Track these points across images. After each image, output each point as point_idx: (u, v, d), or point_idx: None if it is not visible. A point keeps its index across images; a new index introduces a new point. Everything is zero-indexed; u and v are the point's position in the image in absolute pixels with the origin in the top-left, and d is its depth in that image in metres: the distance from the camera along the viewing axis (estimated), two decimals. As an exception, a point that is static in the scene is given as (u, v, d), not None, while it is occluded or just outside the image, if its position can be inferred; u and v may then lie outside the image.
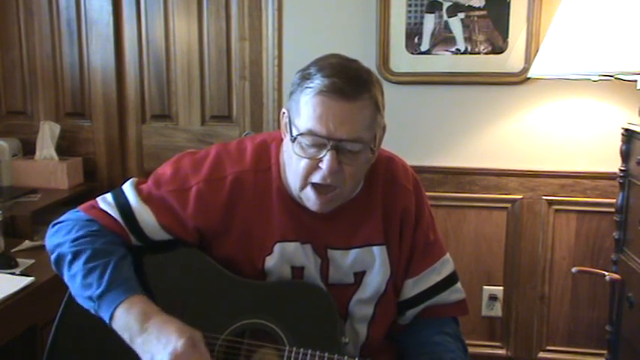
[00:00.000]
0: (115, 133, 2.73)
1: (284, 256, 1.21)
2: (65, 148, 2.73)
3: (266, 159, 1.23)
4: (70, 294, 1.25)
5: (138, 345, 1.10)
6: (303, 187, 1.14)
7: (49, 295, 1.78)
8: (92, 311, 1.15)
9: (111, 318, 1.11)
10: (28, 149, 2.72)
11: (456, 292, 1.32)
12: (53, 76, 2.76)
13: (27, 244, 2.12)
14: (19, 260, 1.94)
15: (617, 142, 2.06)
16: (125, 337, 1.11)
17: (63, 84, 2.77)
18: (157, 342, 1.08)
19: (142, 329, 1.09)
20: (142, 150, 2.75)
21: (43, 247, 2.06)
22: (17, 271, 1.87)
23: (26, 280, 1.78)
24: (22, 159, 2.68)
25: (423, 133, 2.44)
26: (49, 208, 2.32)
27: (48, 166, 2.59)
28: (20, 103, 2.82)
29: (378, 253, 1.24)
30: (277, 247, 1.20)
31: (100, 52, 2.68)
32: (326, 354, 1.10)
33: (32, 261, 1.96)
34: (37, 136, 2.64)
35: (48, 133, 2.62)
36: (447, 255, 1.32)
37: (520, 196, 2.40)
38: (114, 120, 2.72)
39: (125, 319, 1.10)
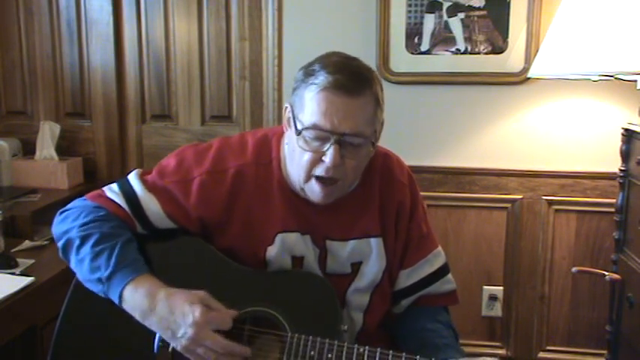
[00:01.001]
0: (115, 133, 2.73)
1: (285, 246, 1.24)
2: (65, 148, 2.73)
3: (267, 153, 1.27)
4: (71, 293, 1.27)
5: (153, 323, 1.13)
6: (306, 180, 1.18)
7: (49, 295, 1.79)
8: (101, 294, 1.17)
9: (120, 298, 1.14)
10: (28, 149, 2.72)
11: (448, 283, 1.36)
12: (53, 76, 2.76)
13: (27, 244, 2.12)
14: (19, 260, 1.94)
15: (617, 142, 2.06)
16: (136, 316, 1.14)
17: (63, 84, 2.77)
18: (173, 317, 1.11)
19: (152, 307, 1.12)
20: (142, 150, 2.75)
21: (43, 247, 2.09)
22: (17, 271, 1.87)
23: (26, 280, 1.78)
24: (22, 159, 2.68)
25: (423, 133, 2.44)
26: (49, 208, 2.31)
27: (48, 166, 2.59)
28: (20, 103, 2.82)
29: (375, 244, 1.28)
30: (278, 238, 1.24)
31: (100, 52, 2.68)
32: (327, 340, 1.13)
33: (32, 261, 1.96)
34: (37, 136, 2.64)
35: (48, 133, 2.62)
36: (439, 248, 1.37)
37: (520, 196, 2.40)
38: (114, 120, 2.72)
39: (134, 298, 1.13)
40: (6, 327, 1.69)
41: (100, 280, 1.16)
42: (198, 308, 1.10)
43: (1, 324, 1.66)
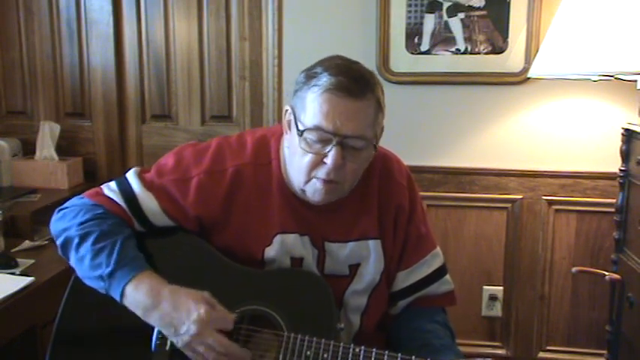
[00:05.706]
0: (115, 133, 2.74)
1: (284, 247, 1.24)
2: (65, 148, 2.73)
3: (266, 153, 1.27)
4: (68, 293, 1.27)
5: (155, 319, 1.13)
6: (307, 182, 1.18)
7: (49, 295, 1.79)
8: (102, 291, 1.17)
9: (122, 295, 1.14)
10: (28, 149, 2.72)
11: (445, 284, 1.36)
12: (53, 76, 2.76)
13: (27, 244, 2.12)
14: (19, 260, 1.94)
15: (617, 142, 2.07)
16: (139, 312, 1.14)
17: (63, 84, 2.77)
18: (177, 314, 1.11)
19: (155, 304, 1.13)
20: (142, 150, 2.76)
21: (43, 247, 2.09)
22: (17, 271, 1.87)
23: (26, 280, 1.78)
24: (22, 159, 2.68)
25: (423, 133, 2.44)
26: (49, 208, 2.29)
27: (48, 166, 2.59)
28: (20, 103, 2.82)
29: (373, 246, 1.28)
30: (277, 239, 1.24)
31: (100, 52, 2.68)
32: (323, 340, 1.13)
33: (32, 261, 1.96)
34: (37, 136, 2.64)
35: (48, 133, 2.62)
36: (437, 248, 1.37)
37: (520, 196, 2.40)
38: (114, 120, 2.73)
39: (136, 295, 1.14)
40: (6, 327, 1.69)
41: (101, 277, 1.16)
42: (203, 306, 1.11)
43: (1, 324, 1.66)
